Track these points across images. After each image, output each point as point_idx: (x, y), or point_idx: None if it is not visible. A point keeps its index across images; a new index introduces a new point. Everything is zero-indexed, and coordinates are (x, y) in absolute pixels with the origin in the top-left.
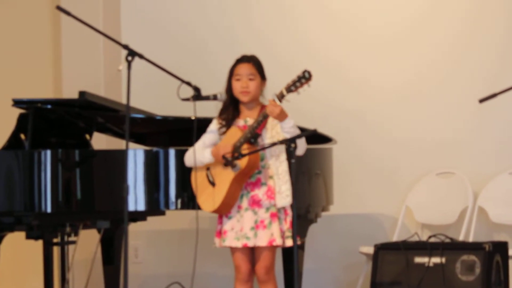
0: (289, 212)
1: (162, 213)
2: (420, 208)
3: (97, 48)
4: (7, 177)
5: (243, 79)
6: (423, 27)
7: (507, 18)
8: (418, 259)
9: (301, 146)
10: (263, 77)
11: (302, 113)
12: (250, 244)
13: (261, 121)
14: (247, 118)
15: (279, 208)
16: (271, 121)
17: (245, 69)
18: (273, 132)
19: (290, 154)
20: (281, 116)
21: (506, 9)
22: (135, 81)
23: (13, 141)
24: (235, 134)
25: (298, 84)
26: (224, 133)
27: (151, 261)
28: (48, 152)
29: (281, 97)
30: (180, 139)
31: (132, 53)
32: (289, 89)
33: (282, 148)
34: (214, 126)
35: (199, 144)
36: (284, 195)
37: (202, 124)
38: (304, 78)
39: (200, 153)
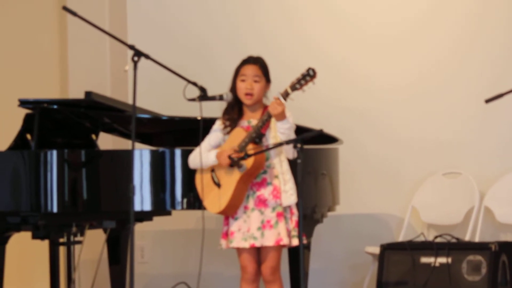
0: (295, 211)
1: (168, 213)
2: (426, 208)
3: (103, 48)
4: (14, 177)
5: (248, 80)
6: (427, 26)
7: (511, 17)
8: (424, 259)
9: (290, 152)
10: (268, 79)
11: (307, 113)
12: (258, 244)
13: (266, 121)
14: (250, 119)
15: (284, 207)
16: (274, 120)
17: (251, 71)
18: (276, 131)
19: (297, 154)
20: (282, 115)
21: (510, 9)
22: (141, 81)
23: (19, 141)
24: (239, 134)
25: (302, 82)
26: (228, 132)
27: (157, 261)
28: (54, 152)
29: (285, 95)
30: (186, 139)
31: (138, 54)
32: (293, 87)
33: (282, 147)
34: (217, 126)
35: (204, 145)
36: (288, 194)
37: (208, 125)
38: (309, 75)
39: (204, 155)
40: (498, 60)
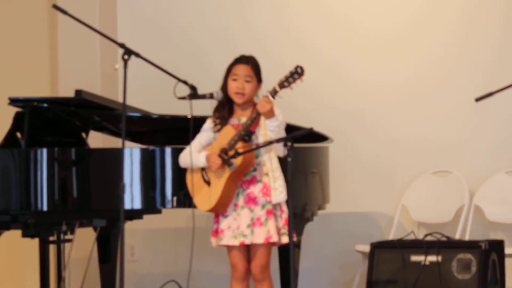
0: (285, 209)
1: (158, 212)
2: (416, 206)
3: (94, 47)
4: (3, 175)
5: (240, 80)
6: (419, 27)
7: (503, 18)
8: (414, 258)
9: (280, 150)
10: (259, 79)
11: (299, 112)
12: (247, 241)
13: (255, 118)
14: (240, 117)
15: (274, 205)
16: (264, 118)
17: (243, 70)
18: (266, 129)
19: (287, 152)
20: (270, 113)
21: (502, 9)
22: (132, 79)
23: (9, 139)
24: (229, 132)
25: (290, 79)
26: (218, 130)
27: (147, 259)
28: (44, 151)
29: (274, 93)
30: (176, 137)
31: (128, 52)
32: (282, 85)
33: (272, 145)
34: (208, 124)
35: (195, 144)
36: (278, 191)
37: (198, 123)
38: (297, 73)
39: (195, 156)
40: (490, 60)
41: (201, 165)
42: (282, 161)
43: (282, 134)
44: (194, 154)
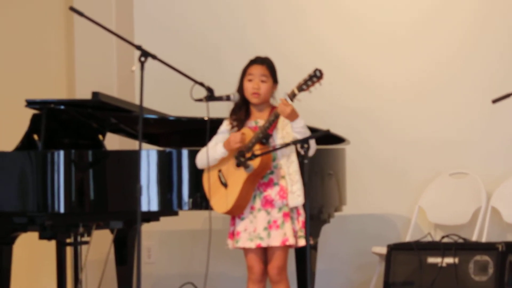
0: (301, 212)
1: (175, 214)
2: (433, 208)
3: (110, 49)
4: (21, 177)
5: (255, 80)
6: (433, 26)
7: None
8: (431, 260)
9: (312, 147)
10: (275, 80)
11: (314, 113)
12: (264, 244)
13: (273, 121)
14: (257, 120)
15: (291, 208)
16: (281, 121)
17: (258, 70)
18: (284, 132)
19: (303, 154)
20: (292, 115)
21: None
22: (148, 81)
23: (26, 141)
24: (246, 134)
25: (309, 83)
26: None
27: (164, 261)
28: (61, 153)
29: (292, 96)
30: (193, 139)
31: (145, 54)
32: (300, 88)
33: (292, 148)
34: (225, 126)
35: (211, 145)
36: (295, 195)
37: (215, 125)
38: (316, 76)
39: (212, 149)
40: (505, 58)
41: (220, 155)
42: (299, 163)
43: (308, 134)
44: (211, 148)
